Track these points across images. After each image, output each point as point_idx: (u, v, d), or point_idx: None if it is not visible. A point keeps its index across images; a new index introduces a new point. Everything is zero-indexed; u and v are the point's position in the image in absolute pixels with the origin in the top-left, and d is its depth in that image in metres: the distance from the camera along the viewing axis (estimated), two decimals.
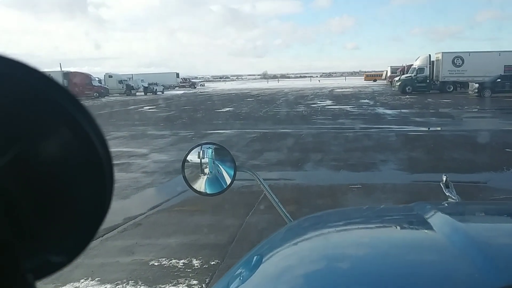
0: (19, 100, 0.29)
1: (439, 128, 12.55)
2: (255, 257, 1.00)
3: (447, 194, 1.49)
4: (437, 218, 0.98)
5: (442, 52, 30.71)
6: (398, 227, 1.16)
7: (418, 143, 9.93)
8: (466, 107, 19.04)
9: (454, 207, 1.34)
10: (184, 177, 1.33)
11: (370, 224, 1.19)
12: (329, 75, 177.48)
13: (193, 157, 1.35)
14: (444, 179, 1.53)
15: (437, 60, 31.05)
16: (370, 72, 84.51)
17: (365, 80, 73.68)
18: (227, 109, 22.15)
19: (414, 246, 0.94)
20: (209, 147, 1.38)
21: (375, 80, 69.13)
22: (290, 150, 9.42)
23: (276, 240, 1.11)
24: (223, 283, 0.95)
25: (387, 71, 59.73)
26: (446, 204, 1.33)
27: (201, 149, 1.36)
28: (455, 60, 30.12)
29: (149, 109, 24.09)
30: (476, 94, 24.05)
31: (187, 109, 22.83)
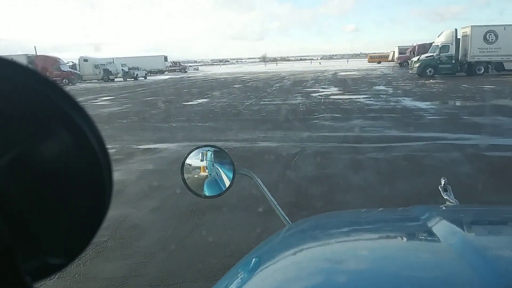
0: (18, 103, 0.29)
1: None
2: (253, 259, 0.99)
3: (445, 197, 1.46)
4: (435, 222, 0.97)
5: (471, 26, 25.15)
6: (396, 230, 1.14)
7: None
8: None
9: (452, 211, 1.31)
10: (183, 180, 1.31)
11: (367, 227, 1.19)
12: (330, 57, 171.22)
13: (192, 160, 1.34)
14: (443, 182, 1.50)
15: (465, 36, 25.50)
16: (374, 53, 78.61)
17: (368, 62, 69.06)
18: (200, 100, 16.94)
19: (411, 249, 0.94)
20: (208, 150, 1.37)
21: (379, 62, 64.54)
22: (266, 212, 4.27)
23: (275, 242, 1.11)
24: (221, 284, 0.92)
25: (394, 52, 54.69)
26: (444, 208, 1.33)
27: (200, 152, 1.36)
28: (487, 36, 24.63)
29: (104, 101, 18.83)
30: None
31: (149, 101, 17.60)
